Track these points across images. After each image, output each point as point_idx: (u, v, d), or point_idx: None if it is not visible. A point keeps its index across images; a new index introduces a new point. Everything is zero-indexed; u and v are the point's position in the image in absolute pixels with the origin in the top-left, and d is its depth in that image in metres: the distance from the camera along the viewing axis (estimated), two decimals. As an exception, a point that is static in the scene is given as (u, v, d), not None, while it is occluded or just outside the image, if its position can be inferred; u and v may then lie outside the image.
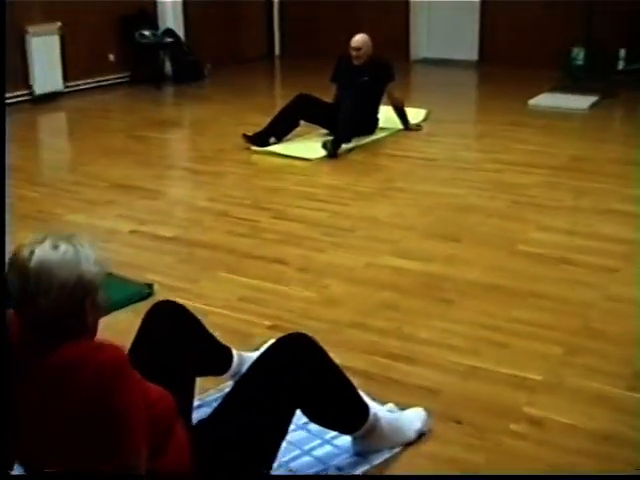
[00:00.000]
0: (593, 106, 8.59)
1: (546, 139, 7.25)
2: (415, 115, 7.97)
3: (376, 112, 7.42)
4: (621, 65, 9.86)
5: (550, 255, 4.59)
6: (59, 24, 9.80)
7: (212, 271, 4.55)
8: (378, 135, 7.41)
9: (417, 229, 5.09)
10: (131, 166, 6.76)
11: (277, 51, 13.01)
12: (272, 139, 7.01)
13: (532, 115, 8.33)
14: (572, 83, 9.35)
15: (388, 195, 5.79)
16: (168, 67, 11.17)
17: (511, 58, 10.88)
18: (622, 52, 9.83)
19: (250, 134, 6.93)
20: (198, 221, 5.39)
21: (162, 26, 11.10)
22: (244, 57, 12.30)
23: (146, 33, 10.61)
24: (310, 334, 2.65)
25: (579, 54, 9.64)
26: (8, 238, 3.23)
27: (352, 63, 7.37)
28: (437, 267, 4.48)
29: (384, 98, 7.47)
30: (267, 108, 8.46)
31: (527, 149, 6.89)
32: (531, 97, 8.92)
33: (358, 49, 7.29)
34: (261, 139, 6.91)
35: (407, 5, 11.76)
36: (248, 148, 6.95)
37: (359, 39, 7.33)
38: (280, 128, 7.08)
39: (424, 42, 11.85)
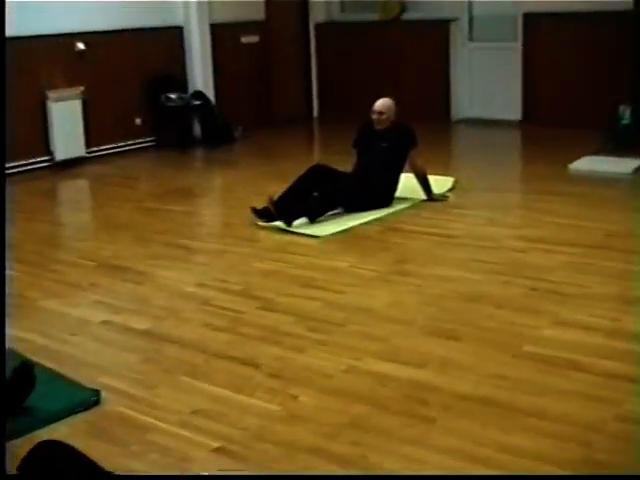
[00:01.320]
0: (638, 170, 7.86)
1: (582, 210, 6.57)
2: (442, 184, 7.36)
3: (396, 182, 6.84)
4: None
5: (560, 358, 3.93)
6: (82, 88, 9.42)
7: (174, 375, 4.02)
8: (397, 207, 6.80)
9: (415, 323, 4.47)
10: (127, 243, 6.31)
11: (315, 112, 12.47)
12: None
13: (571, 181, 7.65)
14: (617, 144, 8.62)
15: (392, 280, 5.18)
16: (198, 130, 10.73)
17: (555, 118, 10.26)
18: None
19: (259, 207, 6.38)
20: (177, 311, 4.86)
21: (191, 88, 10.65)
22: (280, 118, 11.84)
23: (172, 96, 10.25)
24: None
25: (625, 112, 8.93)
26: None
27: (374, 128, 6.80)
28: (426, 374, 3.85)
29: (406, 166, 6.86)
30: (292, 175, 7.96)
31: (559, 223, 6.22)
32: (573, 160, 8.20)
33: (380, 113, 6.79)
34: (269, 213, 6.35)
35: (447, 64, 11.14)
36: (256, 223, 6.42)
37: (382, 103, 6.82)
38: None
39: (466, 101, 11.23)
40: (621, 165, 8.03)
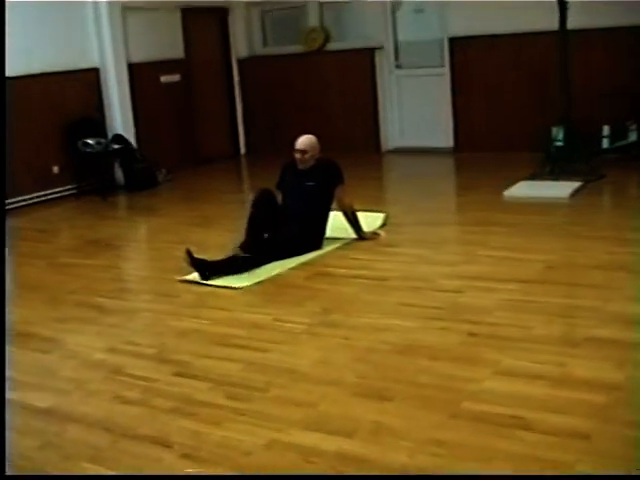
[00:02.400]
0: (575, 193, 7.59)
1: (520, 241, 6.23)
2: (372, 221, 6.99)
3: (325, 222, 6.43)
4: (605, 143, 8.84)
5: (503, 416, 3.53)
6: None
7: (74, 462, 3.57)
8: (327, 249, 6.39)
9: (344, 383, 4.04)
10: (37, 306, 5.82)
11: (242, 150, 12.06)
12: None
13: (507, 209, 7.32)
14: (553, 167, 8.33)
15: (318, 333, 4.75)
16: (120, 176, 10.24)
17: (489, 143, 10.02)
18: (606, 129, 8.82)
19: (195, 256, 5.88)
20: (84, 382, 4.40)
21: (111, 132, 10.17)
22: (206, 158, 11.41)
23: (90, 141, 9.77)
24: None
25: (558, 134, 8.63)
26: None
27: (298, 168, 6.40)
28: (356, 444, 3.43)
29: (333, 204, 6.48)
30: (217, 220, 7.61)
31: (496, 256, 5.87)
32: (508, 187, 7.88)
33: (304, 152, 6.39)
34: (206, 269, 5.97)
35: (375, 93, 10.83)
36: (174, 277, 6.01)
37: (304, 141, 6.42)
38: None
39: (396, 131, 10.92)
40: (558, 189, 7.74)
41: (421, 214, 7.56)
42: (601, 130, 8.91)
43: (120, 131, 10.32)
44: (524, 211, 7.17)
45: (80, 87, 10.08)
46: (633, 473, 2.69)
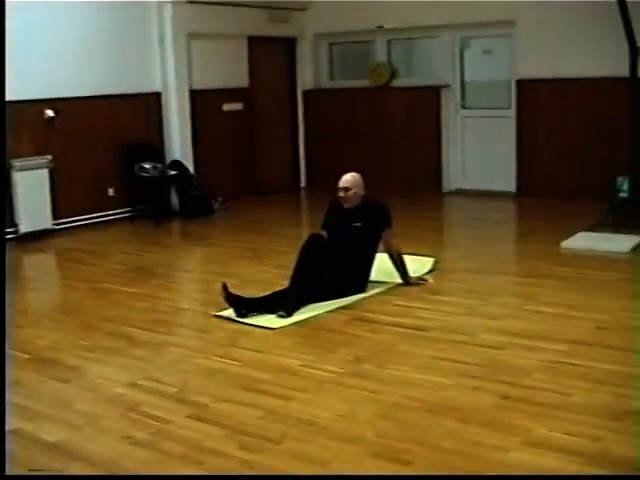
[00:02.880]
0: (636, 248, 7.19)
1: (572, 297, 5.91)
2: (421, 265, 6.75)
3: (370, 265, 6.21)
4: (673, 198, 8.46)
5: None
6: (49, 157, 8.86)
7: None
8: (369, 292, 6.15)
9: (363, 441, 3.80)
10: (69, 331, 5.75)
11: (303, 182, 11.90)
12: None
13: (562, 262, 6.99)
14: (615, 219, 7.97)
15: (346, 383, 4.52)
16: (176, 202, 10.14)
17: (552, 189, 9.70)
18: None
19: (231, 291, 5.75)
20: (98, 418, 4.23)
21: (169, 157, 10.10)
22: (265, 189, 11.29)
23: (147, 166, 9.69)
24: None
25: (623, 184, 8.28)
26: None
27: (343, 207, 6.20)
28: (363, 513, 3.13)
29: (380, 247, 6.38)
30: (267, 255, 7.53)
31: (545, 312, 5.57)
32: (567, 237, 7.55)
33: (347, 190, 6.19)
34: (242, 306, 5.79)
35: (439, 132, 10.58)
36: (214, 316, 5.89)
37: (347, 178, 6.23)
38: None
39: (459, 172, 10.64)
40: (617, 243, 7.39)
41: (474, 261, 7.27)
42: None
43: (178, 157, 10.26)
44: (580, 264, 6.85)
45: (141, 111, 10.03)
46: (633, 473, 2.55)
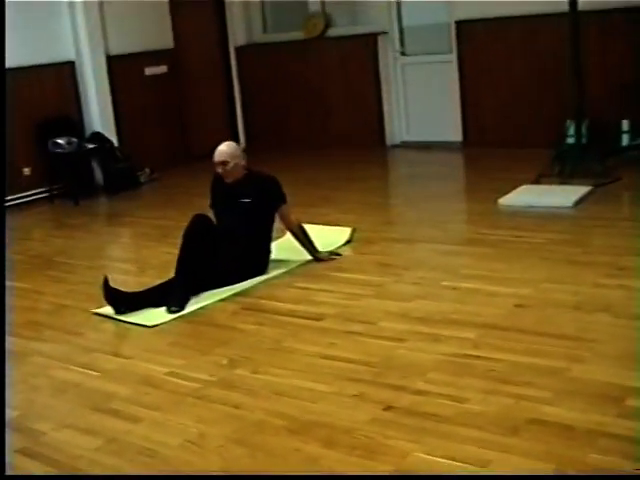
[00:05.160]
0: (582, 201, 6.49)
1: (497, 267, 5.20)
2: (336, 237, 5.99)
3: (267, 244, 5.52)
4: (625, 140, 7.66)
5: None
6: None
7: None
8: (271, 273, 5.41)
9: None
10: None
11: (243, 143, 11.10)
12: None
13: (497, 222, 6.27)
14: (562, 168, 7.21)
15: (209, 396, 3.89)
16: (100, 176, 9.37)
17: (501, 137, 8.93)
18: (625, 124, 7.65)
19: (111, 285, 5.05)
20: None
21: (88, 130, 9.30)
22: (200, 155, 10.39)
23: (60, 141, 8.94)
24: None
25: (570, 128, 7.49)
26: None
27: (227, 183, 5.47)
28: None
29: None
30: (177, 232, 6.74)
31: (461, 289, 4.86)
32: (509, 192, 6.80)
33: (224, 163, 5.43)
34: (121, 303, 5.09)
35: (379, 83, 9.76)
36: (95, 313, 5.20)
37: (222, 150, 5.48)
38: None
39: (402, 123, 9.83)
40: (561, 196, 6.66)
41: (399, 227, 6.60)
42: (620, 125, 7.70)
43: (99, 129, 9.44)
44: (515, 225, 6.12)
45: (54, 83, 9.22)
46: (633, 473, 2.61)
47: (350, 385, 3.76)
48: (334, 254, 5.71)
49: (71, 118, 9.43)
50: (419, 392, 3.62)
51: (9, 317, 5.31)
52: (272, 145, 10.49)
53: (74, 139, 9.09)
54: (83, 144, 9.19)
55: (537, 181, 7.20)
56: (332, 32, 10.28)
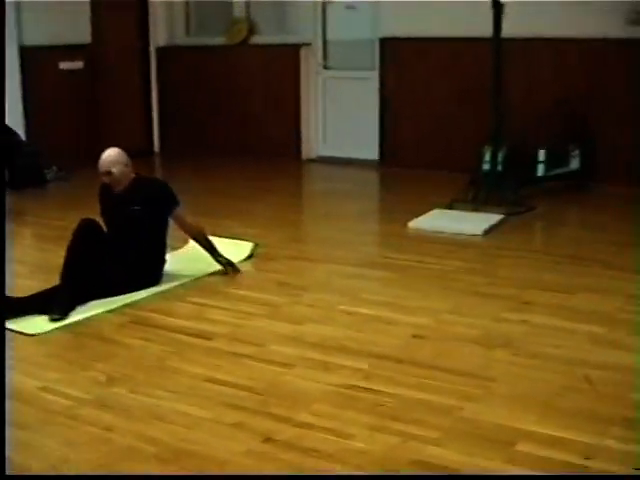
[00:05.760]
0: (492, 229, 6.39)
1: (399, 293, 5.06)
2: (238, 250, 5.78)
3: (160, 254, 5.29)
4: (540, 170, 7.61)
5: None
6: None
7: None
8: (166, 285, 5.18)
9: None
10: None
11: (156, 147, 10.79)
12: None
13: (404, 246, 6.13)
14: (475, 194, 7.12)
15: (81, 416, 3.67)
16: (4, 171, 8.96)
17: (418, 158, 8.82)
18: (542, 154, 7.60)
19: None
20: None
21: (-5, 122, 8.90)
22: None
23: (-46, 133, 8.44)
24: None
25: (485, 154, 7.40)
26: None
27: (114, 192, 5.19)
28: None
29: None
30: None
31: (359, 315, 4.69)
32: (420, 214, 6.66)
33: (109, 173, 5.16)
34: (6, 309, 4.71)
35: (299, 94, 9.60)
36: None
37: (106, 158, 5.26)
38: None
39: (319, 137, 9.70)
40: (472, 223, 6.56)
41: (304, 244, 6.40)
42: (537, 155, 7.64)
43: (6, 121, 9.02)
44: (422, 250, 5.98)
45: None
46: (633, 473, 2.63)
47: (230, 412, 3.55)
48: (233, 267, 5.47)
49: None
50: (301, 424, 3.42)
51: None
52: (187, 151, 10.24)
53: (-30, 130, 8.67)
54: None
55: (450, 206, 7.07)
56: (256, 39, 10.06)
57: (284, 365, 4.03)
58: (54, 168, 9.35)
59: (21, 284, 5.36)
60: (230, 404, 3.64)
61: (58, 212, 7.64)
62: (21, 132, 9.23)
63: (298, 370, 3.97)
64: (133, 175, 5.32)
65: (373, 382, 3.81)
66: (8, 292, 4.78)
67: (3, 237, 4.90)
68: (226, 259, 5.46)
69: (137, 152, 10.58)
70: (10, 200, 8.39)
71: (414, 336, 4.35)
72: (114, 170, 5.17)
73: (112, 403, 3.71)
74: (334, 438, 3.31)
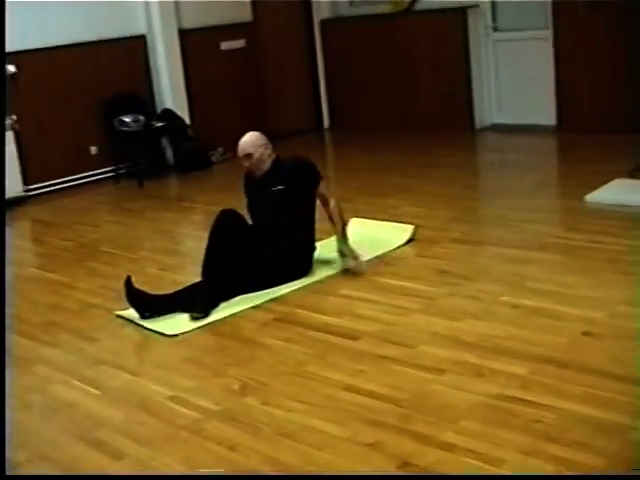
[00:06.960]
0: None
1: (568, 280, 4.51)
2: (395, 235, 5.35)
3: (307, 238, 4.95)
4: None
5: None
6: (14, 117, 7.76)
7: None
8: (317, 276, 4.84)
9: None
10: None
11: (326, 123, 10.51)
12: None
13: (578, 223, 5.53)
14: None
15: (205, 431, 3.39)
16: (171, 155, 8.94)
17: (597, 122, 8.05)
18: None
19: (135, 287, 4.63)
20: None
21: (159, 107, 8.88)
22: (280, 133, 9.81)
23: (127, 119, 8.55)
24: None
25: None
26: None
27: (256, 177, 4.88)
28: None
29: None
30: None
31: (524, 307, 4.20)
32: (599, 186, 6.04)
33: (249, 156, 4.87)
34: (145, 306, 4.61)
35: (468, 61, 8.98)
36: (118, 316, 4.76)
37: (246, 141, 5.03)
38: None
39: (493, 104, 9.08)
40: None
41: (470, 225, 5.90)
42: None
43: (170, 106, 8.98)
44: (597, 228, 5.36)
45: (123, 58, 8.82)
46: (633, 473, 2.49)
47: (367, 429, 3.18)
48: (358, 263, 5.00)
49: (141, 95, 9.01)
50: (445, 445, 2.98)
51: (28, 316, 4.97)
52: (355, 125, 9.88)
53: (141, 117, 8.68)
54: (151, 122, 8.74)
55: (632, 175, 6.35)
56: (420, 5, 9.50)
57: (433, 371, 3.60)
58: (219, 150, 9.22)
59: (168, 277, 5.22)
60: (368, 419, 3.25)
61: (221, 195, 7.38)
62: (185, 115, 9.12)
63: (448, 377, 3.53)
64: (273, 157, 4.96)
65: (530, 392, 3.31)
66: (149, 290, 4.58)
67: (3, 237, 4.65)
68: (353, 252, 4.98)
69: (307, 129, 10.38)
70: (174, 185, 8.34)
71: (583, 334, 3.81)
72: (254, 152, 4.85)
73: (241, 416, 3.40)
74: (479, 464, 2.86)
